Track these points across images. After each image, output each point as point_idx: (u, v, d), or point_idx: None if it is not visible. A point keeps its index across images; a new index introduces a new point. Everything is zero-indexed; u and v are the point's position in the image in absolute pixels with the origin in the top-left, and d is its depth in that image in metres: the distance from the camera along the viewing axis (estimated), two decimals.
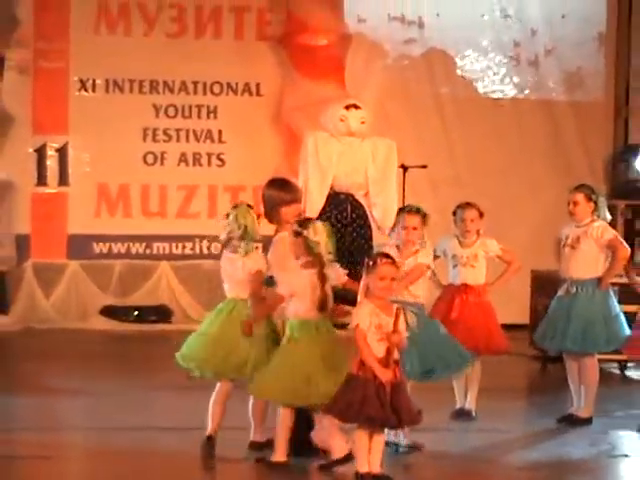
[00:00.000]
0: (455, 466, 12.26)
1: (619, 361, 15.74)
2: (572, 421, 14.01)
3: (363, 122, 14.44)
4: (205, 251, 19.70)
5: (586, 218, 14.14)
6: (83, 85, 19.86)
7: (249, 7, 20.13)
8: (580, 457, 12.69)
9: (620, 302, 14.51)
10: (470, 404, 14.20)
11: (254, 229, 11.88)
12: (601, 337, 14.11)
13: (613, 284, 14.62)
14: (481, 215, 13.96)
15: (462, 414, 14.16)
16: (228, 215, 12.03)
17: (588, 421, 13.98)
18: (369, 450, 10.89)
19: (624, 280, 15.10)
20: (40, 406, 14.47)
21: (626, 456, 12.89)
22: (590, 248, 14.03)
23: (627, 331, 14.20)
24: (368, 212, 13.66)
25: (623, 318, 14.21)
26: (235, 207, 12.11)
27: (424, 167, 17.72)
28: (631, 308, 14.57)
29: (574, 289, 14.12)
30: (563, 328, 14.23)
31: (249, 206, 12.14)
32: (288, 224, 11.84)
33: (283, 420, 11.41)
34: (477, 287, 13.88)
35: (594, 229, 14.13)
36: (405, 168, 17.33)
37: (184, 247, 19.99)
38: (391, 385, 10.67)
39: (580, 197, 14.13)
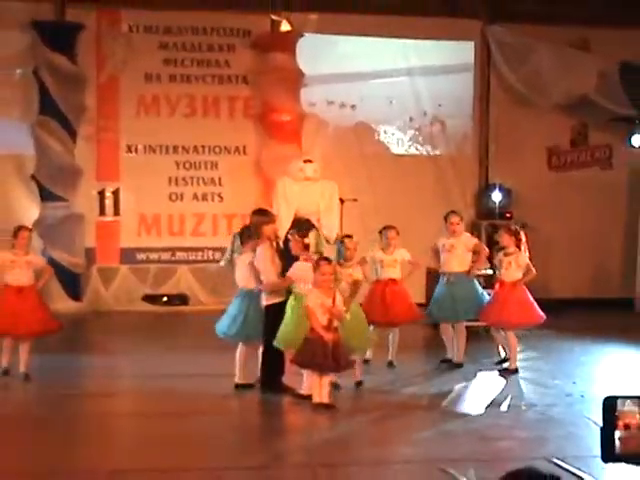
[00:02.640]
0: (377, 397, 12.50)
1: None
2: (450, 364, 14.34)
3: (315, 171, 15.03)
4: (210, 257, 19.53)
5: (461, 233, 14.61)
6: (129, 149, 19.80)
7: (238, 96, 20.09)
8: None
9: (484, 287, 14.87)
10: (392, 355, 14.38)
11: None
12: (471, 310, 14.51)
13: (478, 275, 14.98)
14: (397, 233, 14.26)
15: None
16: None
17: (460, 365, 14.28)
18: (320, 387, 11.24)
19: (484, 272, 15.64)
20: (105, 362, 14.69)
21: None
22: (462, 251, 14.43)
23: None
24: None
25: (485, 297, 14.46)
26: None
27: (355, 200, 17.62)
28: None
29: (452, 279, 14.47)
30: (447, 305, 14.51)
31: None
32: (267, 238, 12.26)
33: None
34: (398, 280, 14.20)
35: (465, 238, 14.69)
36: (342, 201, 17.35)
37: (196, 255, 19.96)
38: (332, 342, 11.04)
39: (458, 219, 14.53)
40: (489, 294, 14.55)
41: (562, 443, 10.40)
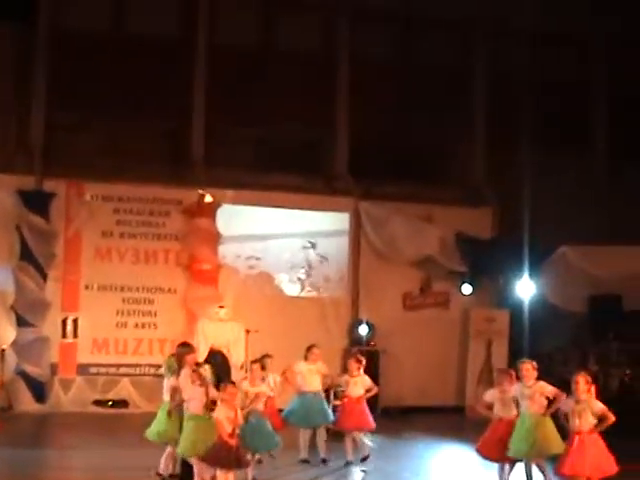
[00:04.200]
0: None
1: None
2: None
3: (226, 314, 14.96)
4: (146, 372, 19.25)
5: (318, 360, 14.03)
6: (87, 287, 19.31)
7: (171, 250, 19.73)
8: None
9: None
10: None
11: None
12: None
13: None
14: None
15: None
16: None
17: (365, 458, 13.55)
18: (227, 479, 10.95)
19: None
20: (61, 455, 14.11)
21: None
22: (319, 376, 13.91)
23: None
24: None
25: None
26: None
27: (257, 331, 17.30)
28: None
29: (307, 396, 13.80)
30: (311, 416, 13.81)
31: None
32: (188, 365, 11.95)
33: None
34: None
35: (321, 365, 14.00)
36: (248, 331, 17.22)
37: (135, 370, 19.43)
38: (235, 446, 10.76)
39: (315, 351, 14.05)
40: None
41: None
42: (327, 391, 15.22)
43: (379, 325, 20.50)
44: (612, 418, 10.46)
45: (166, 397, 12.06)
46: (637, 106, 20.73)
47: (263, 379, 12.95)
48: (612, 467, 10.41)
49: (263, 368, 13.34)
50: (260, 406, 12.28)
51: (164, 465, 12.02)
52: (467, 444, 14.72)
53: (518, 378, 11.62)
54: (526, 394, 11.28)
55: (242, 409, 11.87)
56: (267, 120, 20.75)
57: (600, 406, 10.51)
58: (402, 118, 21.26)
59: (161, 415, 12.07)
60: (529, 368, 11.38)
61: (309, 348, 14.11)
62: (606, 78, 22.73)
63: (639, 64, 21.54)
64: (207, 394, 11.43)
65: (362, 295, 21.00)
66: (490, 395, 11.89)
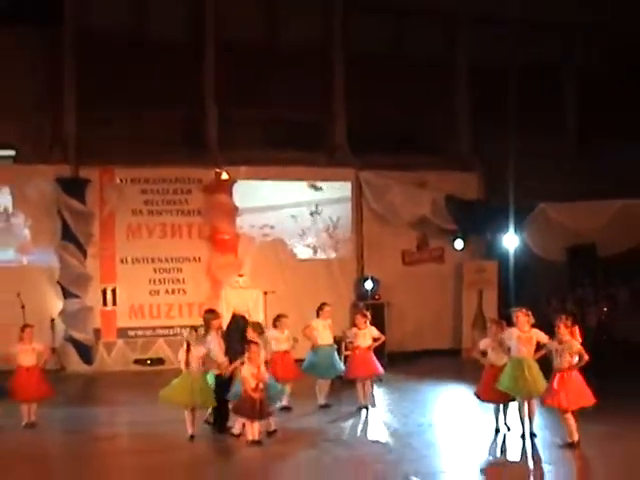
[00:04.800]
0: (290, 434, 12.09)
1: None
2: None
3: (245, 282, 15.04)
4: (178, 332, 18.81)
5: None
6: (122, 261, 19.42)
7: (194, 223, 19.73)
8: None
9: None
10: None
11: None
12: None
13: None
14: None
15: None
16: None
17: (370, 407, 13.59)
18: (252, 429, 11.16)
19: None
20: (107, 411, 14.28)
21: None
22: (331, 331, 14.09)
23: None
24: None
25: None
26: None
27: (274, 292, 17.53)
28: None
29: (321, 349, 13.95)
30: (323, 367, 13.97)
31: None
32: (214, 329, 12.11)
33: None
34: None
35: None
36: (266, 293, 17.37)
37: (169, 331, 19.46)
38: (259, 399, 10.99)
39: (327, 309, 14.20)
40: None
41: (417, 463, 10.29)
42: (339, 343, 15.41)
43: (382, 280, 20.46)
44: (586, 357, 10.77)
45: (190, 367, 11.91)
46: (601, 83, 20.80)
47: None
48: (590, 399, 10.66)
49: (280, 327, 13.62)
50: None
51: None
52: (465, 384, 14.98)
53: (509, 325, 11.75)
54: (521, 339, 11.41)
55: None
56: (273, 104, 20.76)
57: (578, 347, 10.72)
58: (394, 97, 21.26)
59: (181, 381, 11.96)
60: (523, 315, 11.50)
61: (321, 306, 14.27)
62: (574, 62, 22.79)
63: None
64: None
65: (366, 254, 21.03)
66: (484, 344, 12.08)
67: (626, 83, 21.07)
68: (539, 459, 10.57)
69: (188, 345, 11.79)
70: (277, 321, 13.82)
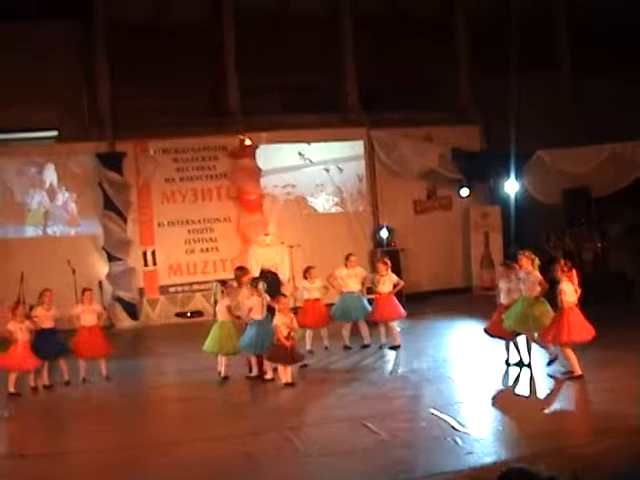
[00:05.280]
0: (320, 374, 12.32)
1: None
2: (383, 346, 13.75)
3: (271, 239, 15.12)
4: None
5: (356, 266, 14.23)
6: (159, 224, 19.57)
7: (222, 186, 19.80)
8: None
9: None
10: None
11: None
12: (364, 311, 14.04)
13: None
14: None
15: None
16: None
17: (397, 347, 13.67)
18: (285, 373, 11.37)
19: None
20: (155, 362, 14.47)
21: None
22: (357, 279, 14.08)
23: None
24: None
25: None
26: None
27: (299, 245, 17.82)
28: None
29: (349, 295, 13.94)
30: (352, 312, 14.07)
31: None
32: (245, 285, 12.27)
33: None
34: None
35: (359, 270, 14.22)
36: (291, 246, 17.49)
37: (205, 286, 19.05)
38: (290, 346, 11.18)
39: (353, 259, 14.25)
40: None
41: (435, 396, 10.46)
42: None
43: (396, 228, 20.66)
44: (579, 293, 10.81)
45: (219, 317, 12.31)
46: (593, 31, 20.45)
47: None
48: (588, 334, 10.73)
49: (310, 278, 13.74)
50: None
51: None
52: (476, 320, 15.06)
53: (516, 264, 11.79)
54: (523, 280, 11.50)
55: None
56: (289, 72, 20.67)
57: (571, 287, 10.74)
58: (399, 58, 21.13)
59: (216, 331, 12.32)
60: (525, 259, 11.55)
61: (347, 257, 14.34)
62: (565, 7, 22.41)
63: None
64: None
65: (380, 206, 21.10)
66: (498, 285, 12.14)
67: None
68: (544, 388, 10.68)
69: (215, 298, 12.12)
70: (307, 272, 14.02)
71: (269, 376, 11.87)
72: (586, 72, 20.43)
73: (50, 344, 12.31)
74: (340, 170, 20.90)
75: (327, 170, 20.83)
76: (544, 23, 21.67)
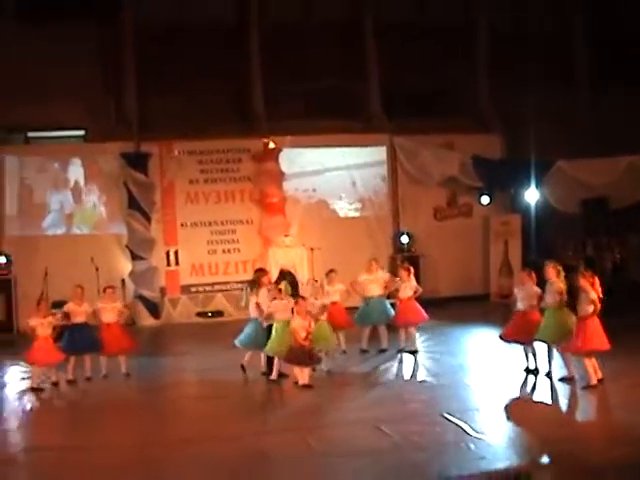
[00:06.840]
0: (336, 378, 12.21)
1: None
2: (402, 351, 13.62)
3: (291, 241, 15.05)
4: (235, 287, 19.15)
5: (378, 270, 14.18)
6: (182, 225, 19.63)
7: (245, 189, 19.87)
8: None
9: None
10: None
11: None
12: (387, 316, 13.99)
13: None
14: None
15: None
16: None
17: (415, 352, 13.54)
18: (302, 374, 11.32)
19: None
20: (175, 360, 14.43)
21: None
22: (379, 283, 13.99)
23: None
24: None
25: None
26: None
27: (319, 249, 17.76)
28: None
29: (372, 300, 13.95)
30: (374, 316, 14.05)
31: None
32: (265, 285, 12.23)
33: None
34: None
35: (381, 274, 14.19)
36: (312, 249, 17.45)
37: (226, 286, 19.54)
38: (308, 347, 11.12)
39: (375, 264, 14.14)
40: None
41: (451, 402, 10.35)
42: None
43: (417, 234, 20.63)
44: (598, 306, 10.57)
45: (252, 313, 12.35)
46: (610, 43, 20.35)
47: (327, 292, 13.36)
48: (604, 345, 10.56)
49: (330, 281, 13.65)
50: (324, 316, 12.49)
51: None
52: (493, 327, 14.92)
53: (536, 273, 11.65)
54: (547, 290, 11.38)
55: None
56: (313, 77, 20.67)
57: (594, 295, 10.60)
58: (422, 67, 21.07)
59: (250, 327, 12.36)
60: (551, 269, 11.40)
61: (369, 262, 14.25)
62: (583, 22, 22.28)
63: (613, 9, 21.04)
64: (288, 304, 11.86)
65: (401, 212, 21.06)
66: (515, 292, 12.00)
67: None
68: (560, 396, 10.57)
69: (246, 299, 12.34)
70: (327, 276, 13.92)
71: (274, 376, 11.86)
72: (604, 84, 20.30)
73: (81, 339, 12.39)
74: (362, 175, 20.90)
75: (349, 175, 20.80)
76: (563, 35, 21.56)
